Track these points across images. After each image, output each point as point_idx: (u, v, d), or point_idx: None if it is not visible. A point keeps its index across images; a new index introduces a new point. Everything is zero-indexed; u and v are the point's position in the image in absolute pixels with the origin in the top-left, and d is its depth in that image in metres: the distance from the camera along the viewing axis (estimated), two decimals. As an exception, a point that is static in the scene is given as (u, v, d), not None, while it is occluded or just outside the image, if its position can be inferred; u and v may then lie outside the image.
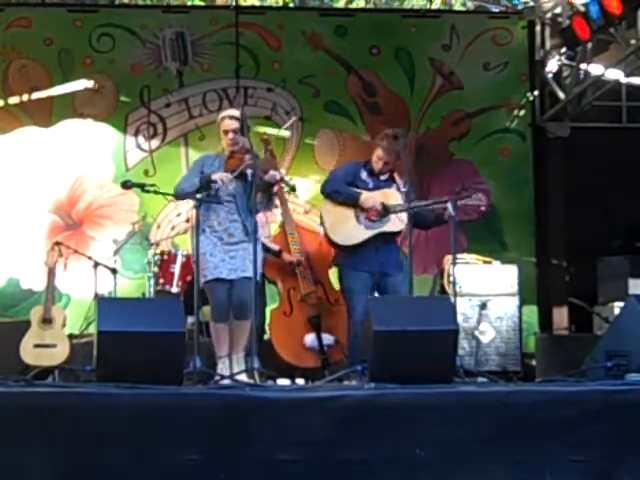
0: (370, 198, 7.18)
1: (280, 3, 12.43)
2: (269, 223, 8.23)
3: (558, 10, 9.69)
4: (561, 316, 9.90)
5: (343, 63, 10.18)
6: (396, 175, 7.35)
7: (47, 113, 9.86)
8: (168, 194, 7.21)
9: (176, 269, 8.05)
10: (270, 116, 10.00)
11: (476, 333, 8.42)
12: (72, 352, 7.65)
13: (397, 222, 7.17)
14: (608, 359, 6.02)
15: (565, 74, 9.90)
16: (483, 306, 8.48)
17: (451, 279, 7.83)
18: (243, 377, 6.34)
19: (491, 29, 10.34)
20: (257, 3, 12.47)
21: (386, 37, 10.21)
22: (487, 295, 8.54)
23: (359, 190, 7.23)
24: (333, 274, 8.07)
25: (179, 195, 6.93)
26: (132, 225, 9.51)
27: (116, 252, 8.75)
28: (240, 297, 6.67)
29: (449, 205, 6.88)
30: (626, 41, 8.52)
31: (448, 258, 8.06)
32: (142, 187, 6.95)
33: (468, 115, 10.22)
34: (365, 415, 5.18)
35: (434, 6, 12.42)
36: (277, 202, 7.83)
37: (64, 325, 7.88)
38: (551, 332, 9.71)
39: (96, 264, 8.30)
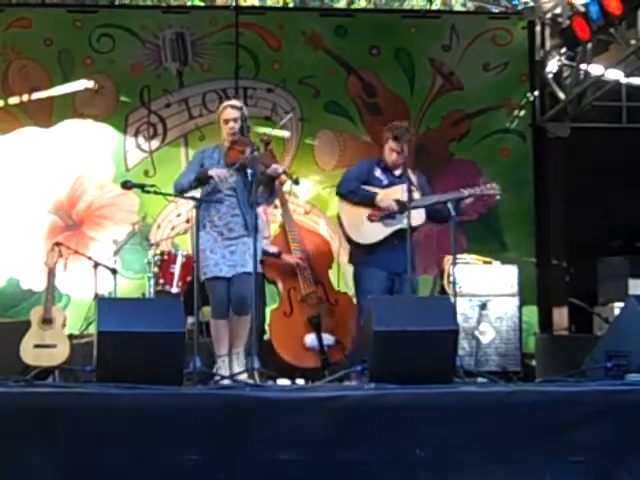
0: (385, 199, 7.20)
1: (280, 3, 12.42)
2: (269, 223, 8.23)
3: (558, 10, 9.68)
4: (561, 316, 9.90)
5: (343, 63, 10.17)
6: (409, 170, 7.38)
7: (47, 113, 9.86)
8: (168, 194, 7.22)
9: (176, 269, 8.06)
10: (270, 117, 10.00)
11: (476, 333, 8.42)
12: (72, 352, 7.65)
13: (415, 218, 7.19)
14: (608, 359, 6.01)
15: (565, 74, 9.90)
16: (483, 306, 8.48)
17: (451, 279, 7.84)
18: (243, 377, 6.35)
19: (491, 29, 10.34)
20: (257, 3, 12.45)
21: (386, 37, 10.21)
22: (487, 295, 8.53)
23: (375, 190, 7.26)
24: (333, 274, 8.09)
25: (179, 191, 6.91)
26: (132, 225, 9.50)
27: (116, 252, 8.75)
28: (240, 293, 6.68)
29: (464, 193, 7.02)
30: (626, 41, 8.52)
31: (448, 258, 8.06)
32: (142, 187, 6.95)
33: (468, 115, 10.22)
34: (365, 415, 5.18)
35: (434, 6, 12.40)
36: (277, 203, 7.85)
37: (64, 325, 7.88)
38: (551, 332, 9.70)
39: (96, 264, 8.30)
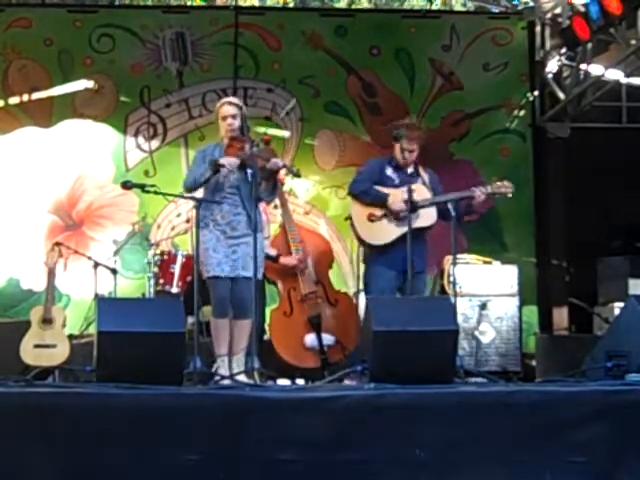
0: (397, 202, 7.19)
1: (280, 3, 12.43)
2: (269, 223, 8.23)
3: (558, 10, 9.69)
4: (561, 316, 9.90)
5: (343, 63, 10.18)
6: (421, 168, 7.37)
7: (47, 113, 9.86)
8: (168, 194, 7.21)
9: (176, 269, 8.06)
10: (270, 117, 10.01)
11: (476, 333, 8.42)
12: (72, 352, 7.65)
13: (427, 217, 7.18)
14: (608, 359, 6.02)
15: (565, 74, 9.90)
16: (483, 306, 8.48)
17: (451, 279, 7.84)
18: (243, 377, 6.34)
19: (491, 29, 10.34)
20: (257, 3, 12.46)
21: (386, 37, 10.21)
22: (487, 295, 8.53)
23: (386, 191, 7.26)
24: (333, 274, 8.08)
25: (191, 186, 6.81)
26: (132, 225, 9.51)
27: (116, 252, 8.75)
28: (241, 296, 6.67)
29: (475, 191, 7.08)
30: (626, 41, 8.51)
31: (448, 258, 8.05)
32: (142, 187, 6.94)
33: (468, 115, 10.22)
34: (365, 415, 5.18)
35: (434, 6, 12.42)
36: (277, 203, 7.85)
37: (64, 325, 7.87)
38: (551, 332, 9.70)
39: (96, 264, 8.31)
